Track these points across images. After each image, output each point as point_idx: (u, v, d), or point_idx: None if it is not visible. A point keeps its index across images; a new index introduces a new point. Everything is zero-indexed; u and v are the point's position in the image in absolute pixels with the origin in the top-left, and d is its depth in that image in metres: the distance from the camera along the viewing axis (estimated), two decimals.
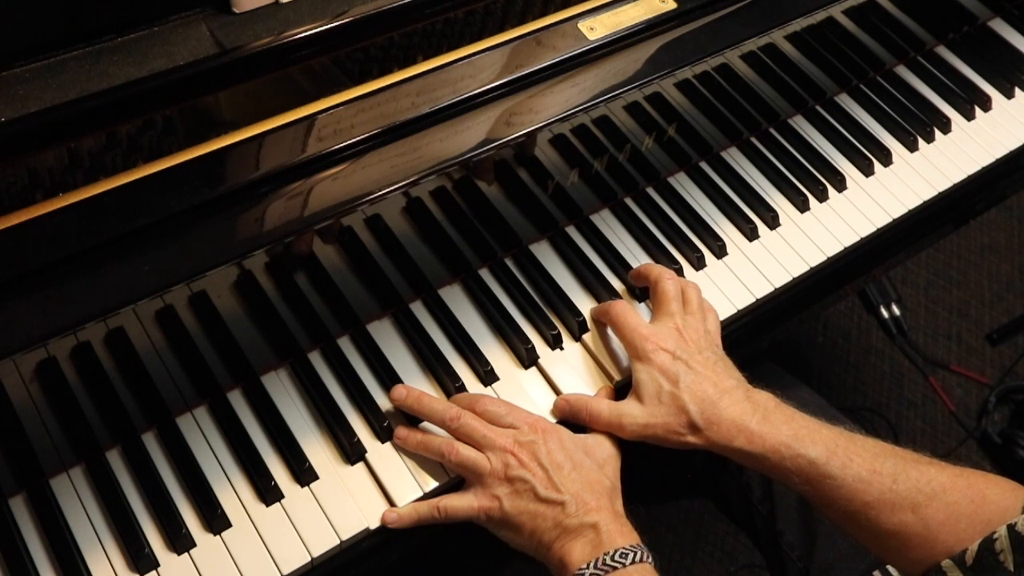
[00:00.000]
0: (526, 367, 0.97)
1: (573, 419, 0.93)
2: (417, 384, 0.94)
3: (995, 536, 0.78)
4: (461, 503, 0.86)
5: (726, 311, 1.03)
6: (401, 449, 0.90)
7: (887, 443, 0.88)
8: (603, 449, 0.90)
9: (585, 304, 1.01)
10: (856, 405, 1.94)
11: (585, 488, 0.85)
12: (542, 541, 0.84)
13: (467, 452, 0.86)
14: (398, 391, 0.91)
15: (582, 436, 0.91)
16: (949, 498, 0.83)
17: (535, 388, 0.96)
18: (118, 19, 0.78)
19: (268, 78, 0.82)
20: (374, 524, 0.86)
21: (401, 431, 0.90)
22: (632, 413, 0.90)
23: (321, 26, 0.82)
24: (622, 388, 0.96)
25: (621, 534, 0.83)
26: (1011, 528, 0.77)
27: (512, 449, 0.86)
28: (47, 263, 0.71)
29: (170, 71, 0.77)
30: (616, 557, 0.80)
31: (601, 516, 0.83)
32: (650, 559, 0.82)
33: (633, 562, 0.80)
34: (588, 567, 0.80)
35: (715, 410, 0.87)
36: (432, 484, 0.88)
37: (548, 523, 0.84)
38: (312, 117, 0.81)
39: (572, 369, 0.97)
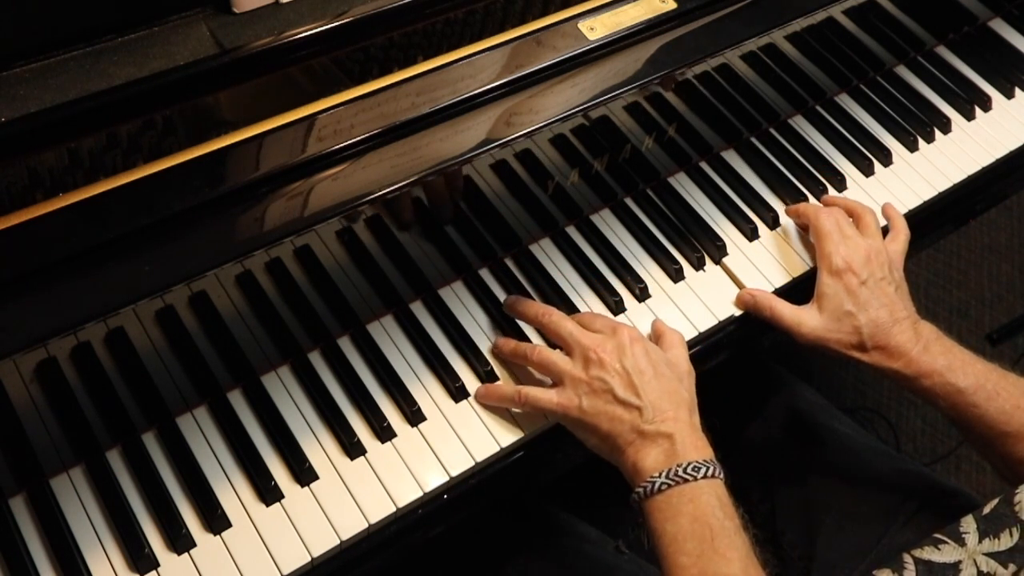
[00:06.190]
0: None
1: (755, 312, 1.01)
2: (417, 383, 0.94)
3: (1018, 491, 0.80)
4: (542, 395, 0.90)
5: (727, 310, 1.03)
6: (402, 447, 0.90)
7: None
8: (684, 364, 0.92)
9: (584, 307, 1.01)
10: (856, 405, 1.93)
11: (664, 397, 0.87)
12: (617, 444, 0.86)
13: (550, 352, 0.92)
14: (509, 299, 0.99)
15: (663, 351, 0.93)
16: None
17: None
18: (118, 19, 0.78)
19: (268, 78, 0.82)
20: (374, 524, 0.86)
21: (499, 340, 0.96)
22: (811, 323, 0.98)
23: (321, 26, 0.82)
24: None
25: (696, 448, 0.85)
26: None
27: (595, 348, 0.89)
28: (47, 263, 0.71)
29: (170, 71, 0.77)
30: (689, 470, 0.82)
31: (677, 427, 0.85)
32: (721, 475, 0.84)
33: (705, 476, 0.82)
34: (661, 475, 0.82)
35: (885, 336, 0.95)
36: (433, 484, 0.88)
37: (625, 427, 0.86)
38: (312, 117, 0.81)
39: None
